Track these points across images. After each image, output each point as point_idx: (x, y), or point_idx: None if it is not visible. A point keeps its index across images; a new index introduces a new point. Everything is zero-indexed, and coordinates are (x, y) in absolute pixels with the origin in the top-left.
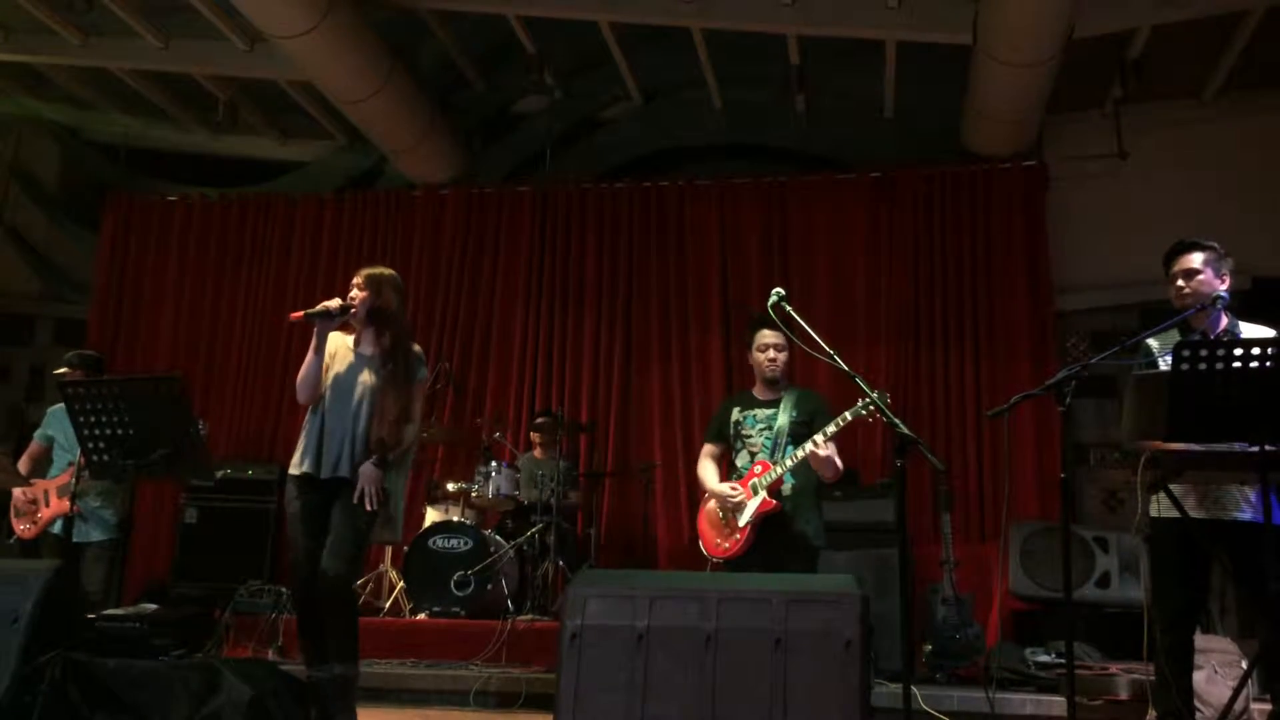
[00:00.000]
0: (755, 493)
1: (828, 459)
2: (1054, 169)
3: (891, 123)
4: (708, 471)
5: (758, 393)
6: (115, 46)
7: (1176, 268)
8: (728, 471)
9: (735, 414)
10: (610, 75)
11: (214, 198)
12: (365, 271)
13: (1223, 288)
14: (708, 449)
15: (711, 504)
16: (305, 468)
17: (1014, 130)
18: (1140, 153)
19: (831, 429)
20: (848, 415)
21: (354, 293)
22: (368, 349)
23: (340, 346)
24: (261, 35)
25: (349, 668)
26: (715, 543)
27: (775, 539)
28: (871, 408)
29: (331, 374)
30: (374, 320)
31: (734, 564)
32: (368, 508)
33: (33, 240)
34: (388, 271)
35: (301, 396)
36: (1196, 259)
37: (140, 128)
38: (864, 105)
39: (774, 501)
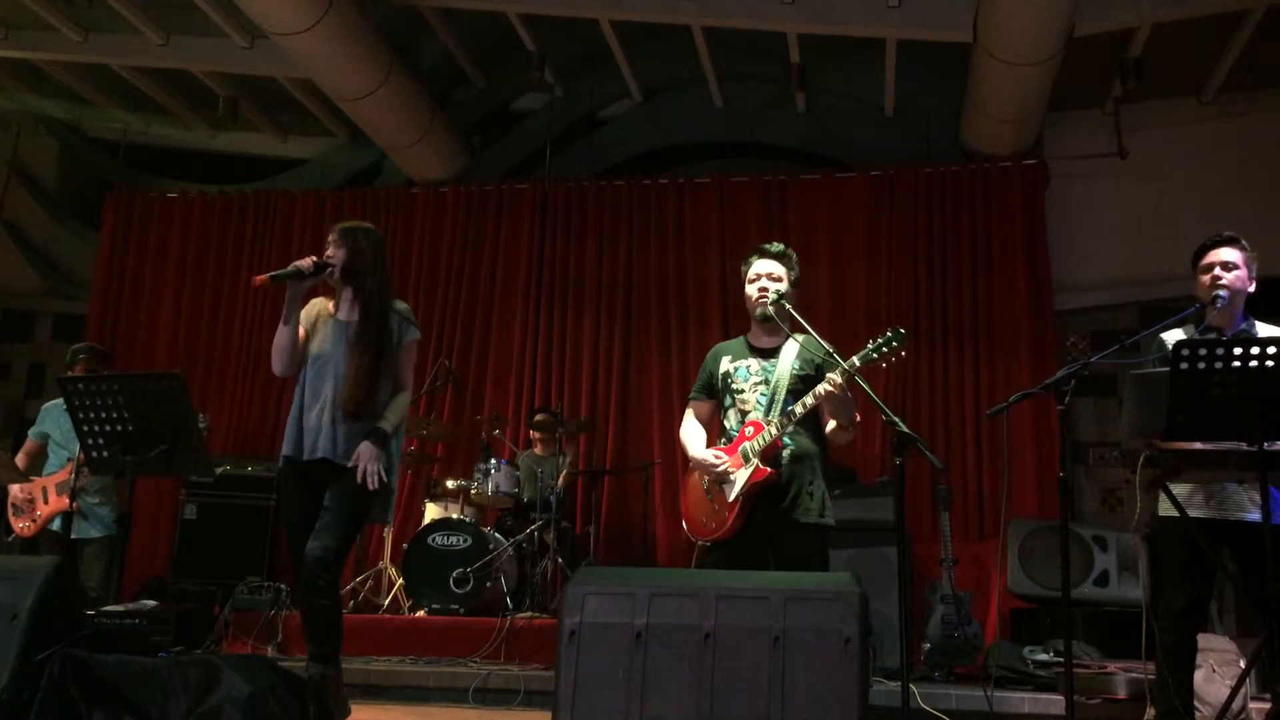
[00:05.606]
0: (746, 460)
1: (845, 398)
2: (1054, 168)
3: (891, 121)
4: (691, 435)
5: (753, 339)
6: (115, 43)
7: (1213, 259)
8: (718, 436)
9: (725, 364)
10: (610, 73)
11: (214, 194)
12: (339, 226)
13: (1251, 288)
14: (693, 406)
15: (695, 476)
16: (287, 450)
17: (1014, 129)
18: (1140, 152)
19: (838, 377)
20: (856, 360)
21: (329, 250)
22: (346, 313)
23: (321, 314)
24: (261, 32)
25: (328, 668)
26: (701, 522)
27: (772, 517)
28: (884, 350)
29: (313, 345)
30: (350, 279)
31: (724, 548)
32: (370, 487)
33: (32, 237)
34: (365, 225)
35: (277, 368)
36: (1235, 254)
37: (140, 124)
38: (864, 104)
39: (768, 470)
